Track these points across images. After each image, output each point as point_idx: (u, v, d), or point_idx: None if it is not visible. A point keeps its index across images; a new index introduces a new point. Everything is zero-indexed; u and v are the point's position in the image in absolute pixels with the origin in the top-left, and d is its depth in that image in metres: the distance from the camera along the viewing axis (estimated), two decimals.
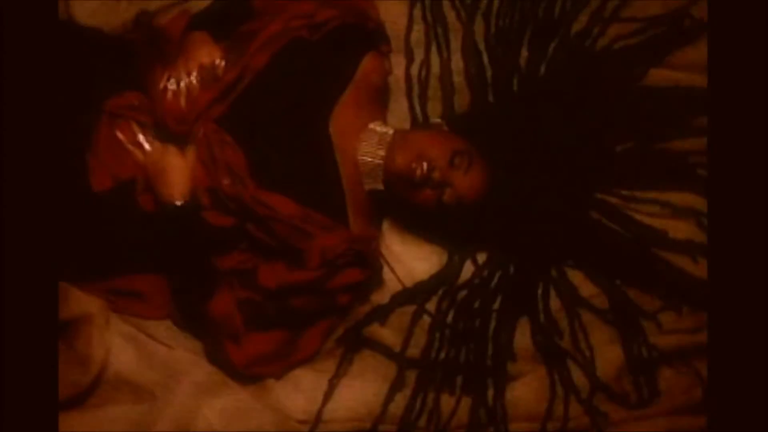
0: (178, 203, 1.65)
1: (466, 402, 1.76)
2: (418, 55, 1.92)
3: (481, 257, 1.87)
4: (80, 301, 1.73)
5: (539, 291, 1.83)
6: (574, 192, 1.84)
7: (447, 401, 1.76)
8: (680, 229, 1.81)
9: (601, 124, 1.86)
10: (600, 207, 1.84)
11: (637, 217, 1.82)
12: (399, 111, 1.91)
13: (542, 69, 1.89)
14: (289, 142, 1.68)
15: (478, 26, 1.93)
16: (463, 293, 1.83)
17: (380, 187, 1.74)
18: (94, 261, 1.73)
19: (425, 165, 1.65)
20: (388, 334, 1.80)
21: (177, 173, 1.65)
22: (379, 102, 1.84)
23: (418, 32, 1.92)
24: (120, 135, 1.68)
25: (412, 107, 1.91)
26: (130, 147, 1.68)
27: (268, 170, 1.66)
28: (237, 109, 1.68)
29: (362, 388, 1.78)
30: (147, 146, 1.68)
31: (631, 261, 1.81)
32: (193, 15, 1.83)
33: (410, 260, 1.86)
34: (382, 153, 1.72)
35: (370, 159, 1.73)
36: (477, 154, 1.71)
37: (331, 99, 1.72)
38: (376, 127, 1.76)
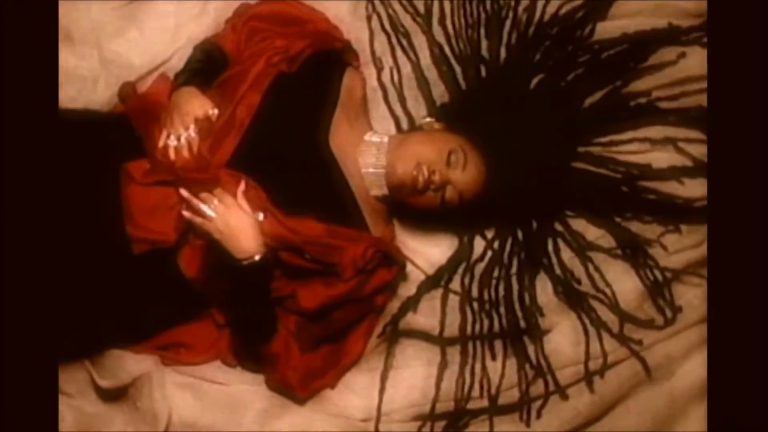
0: (258, 257, 1.64)
1: (510, 363, 1.86)
2: (386, 63, 2.01)
3: (489, 231, 1.97)
4: (135, 363, 1.80)
5: (550, 247, 1.93)
6: (558, 152, 1.95)
7: (493, 367, 1.86)
8: (661, 159, 1.94)
9: (566, 85, 1.97)
10: (585, 158, 1.95)
11: (621, 158, 1.94)
12: (380, 117, 1.99)
13: (502, 52, 1.99)
14: (299, 168, 1.77)
15: (437, 29, 2.02)
16: (481, 267, 1.93)
17: (386, 192, 1.84)
18: (139, 322, 1.80)
19: (425, 171, 1.75)
20: (423, 320, 1.89)
21: (250, 228, 1.64)
22: (365, 113, 1.95)
23: (381, 42, 2.02)
24: (154, 199, 1.71)
25: (392, 111, 2.00)
26: (188, 215, 1.63)
27: (288, 197, 1.74)
28: (243, 148, 1.75)
29: (411, 376, 1.87)
30: (209, 212, 1.62)
31: (625, 198, 1.93)
32: (175, 75, 1.91)
33: (425, 250, 1.96)
34: (383, 162, 1.82)
35: (373, 170, 1.83)
36: (470, 147, 1.81)
37: (326, 120, 1.82)
38: (372, 137, 1.88)
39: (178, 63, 1.96)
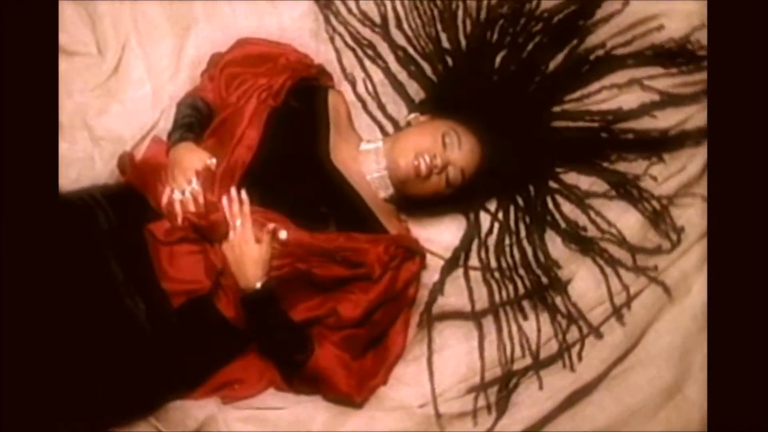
0: (258, 285, 1.77)
1: (543, 318, 1.96)
2: (358, 76, 2.12)
3: (491, 204, 2.07)
4: (198, 408, 1.85)
5: (550, 205, 2.04)
6: (535, 116, 2.08)
7: (528, 326, 1.95)
8: (630, 100, 2.07)
9: (528, 55, 2.09)
10: (562, 116, 2.08)
11: (594, 108, 2.07)
12: (365, 126, 2.10)
13: (462, 40, 2.11)
14: (310, 189, 1.87)
15: (396, 34, 2.13)
16: (493, 239, 2.03)
17: (392, 191, 1.95)
18: (192, 370, 1.86)
19: (426, 158, 1.87)
20: (453, 301, 1.97)
21: (253, 258, 1.77)
22: (353, 126, 2.06)
23: (348, 58, 2.13)
24: (182, 252, 1.78)
25: (374, 118, 2.11)
26: (213, 259, 1.76)
27: (304, 217, 1.83)
28: (249, 184, 1.82)
29: (454, 354, 1.96)
30: (228, 254, 1.77)
31: (607, 143, 2.06)
32: (168, 134, 1.97)
33: (437, 237, 2.05)
34: (383, 164, 1.93)
35: (376, 174, 1.94)
36: (459, 126, 1.92)
37: (324, 141, 1.92)
38: (366, 146, 1.99)
39: (165, 124, 2.03)
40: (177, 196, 1.80)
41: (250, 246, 1.77)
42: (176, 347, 1.79)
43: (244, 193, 1.81)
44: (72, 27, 2.12)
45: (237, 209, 1.79)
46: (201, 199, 1.79)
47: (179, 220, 1.78)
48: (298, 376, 1.88)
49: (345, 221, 1.86)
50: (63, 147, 2.02)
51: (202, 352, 1.84)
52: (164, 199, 1.81)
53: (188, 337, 1.80)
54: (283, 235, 1.79)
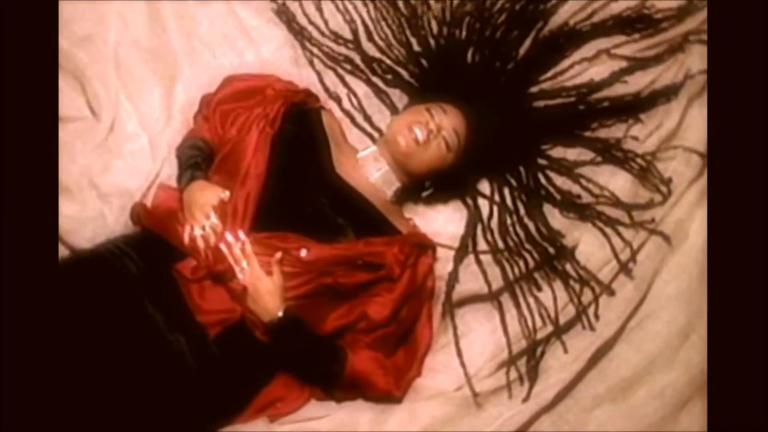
0: (280, 313, 1.83)
1: (557, 286, 2.06)
2: (342, 92, 2.20)
3: (485, 188, 2.16)
4: (248, 429, 1.90)
5: (542, 180, 2.14)
6: (514, 100, 2.19)
7: (545, 296, 2.05)
8: (601, 70, 2.19)
9: (497, 44, 2.20)
10: (540, 96, 2.19)
11: (568, 83, 2.19)
12: (356, 138, 2.18)
13: (432, 42, 2.21)
14: (323, 204, 1.94)
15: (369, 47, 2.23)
16: (495, 221, 2.12)
17: (398, 185, 2.05)
18: (236, 395, 1.91)
19: (420, 126, 1.97)
20: (470, 286, 2.06)
21: (270, 289, 1.84)
22: (347, 140, 2.15)
23: (329, 77, 2.22)
24: (210, 285, 1.85)
25: (363, 130, 2.20)
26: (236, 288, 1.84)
27: (322, 232, 1.91)
28: (264, 210, 1.89)
29: (480, 336, 2.05)
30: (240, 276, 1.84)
31: (585, 114, 2.17)
32: (177, 178, 2.04)
33: (443, 229, 2.14)
34: (382, 162, 2.03)
35: (378, 174, 2.04)
36: (440, 100, 2.03)
37: (327, 158, 2.01)
38: (363, 153, 2.08)
39: (169, 170, 2.10)
40: (198, 232, 1.88)
41: (263, 281, 1.85)
42: (220, 375, 1.85)
43: (242, 234, 1.86)
44: (62, 94, 2.16)
45: (239, 252, 1.85)
46: (220, 231, 1.86)
47: (203, 254, 1.86)
48: (339, 386, 1.95)
49: (361, 228, 1.94)
50: (73, 209, 2.08)
51: (244, 375, 1.90)
52: (186, 238, 1.88)
53: (229, 363, 1.86)
54: (303, 254, 1.86)
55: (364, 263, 1.90)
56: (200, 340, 1.83)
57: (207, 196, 1.92)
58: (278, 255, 1.86)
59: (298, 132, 2.03)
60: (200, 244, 1.87)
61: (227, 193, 1.91)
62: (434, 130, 1.99)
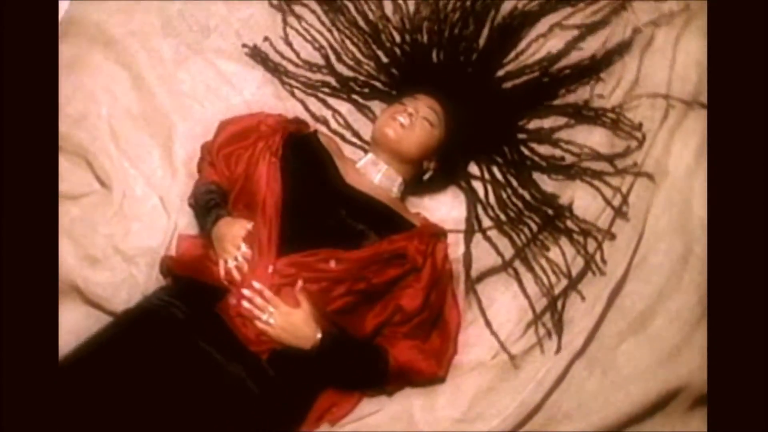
0: (318, 336, 1.92)
1: (563, 242, 2.18)
2: (327, 114, 2.33)
3: (475, 171, 2.28)
4: None
5: (526, 152, 2.28)
6: (484, 86, 2.34)
7: (554, 254, 2.17)
8: (555, 44, 2.35)
9: (456, 39, 2.34)
10: (507, 78, 2.35)
11: (529, 61, 2.35)
12: (350, 153, 2.30)
13: (398, 51, 2.36)
14: (343, 214, 2.05)
15: (341, 68, 2.36)
16: (492, 198, 2.24)
17: (400, 179, 2.18)
18: (294, 410, 1.99)
19: (400, 113, 2.11)
20: (483, 262, 2.18)
21: (303, 318, 1.94)
22: (344, 154, 2.29)
23: (313, 103, 2.34)
24: (253, 315, 1.93)
25: (354, 144, 2.33)
26: (261, 326, 1.92)
27: (346, 240, 2.01)
28: (287, 233, 1.98)
29: (502, 305, 2.16)
30: (270, 320, 1.92)
31: (551, 85, 2.34)
32: (200, 226, 2.13)
33: (447, 215, 2.25)
34: (382, 162, 2.17)
35: (380, 174, 2.17)
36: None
37: (336, 172, 2.14)
38: (361, 162, 2.22)
39: (186, 219, 2.19)
40: (231, 263, 1.97)
41: (294, 315, 1.93)
42: (279, 394, 1.93)
43: (257, 284, 1.94)
44: (69, 174, 2.26)
45: (261, 302, 1.93)
46: (250, 257, 1.95)
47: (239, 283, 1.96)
48: (387, 381, 2.05)
49: (380, 229, 2.05)
50: (104, 276, 2.15)
51: (300, 389, 1.98)
52: (222, 272, 1.98)
53: (286, 381, 1.94)
54: (332, 264, 1.97)
55: (391, 257, 2.02)
56: (256, 365, 1.92)
57: (234, 229, 2.01)
58: (300, 284, 1.94)
59: (303, 156, 2.14)
60: (235, 275, 1.96)
61: (251, 224, 2.01)
62: (414, 113, 2.12)
